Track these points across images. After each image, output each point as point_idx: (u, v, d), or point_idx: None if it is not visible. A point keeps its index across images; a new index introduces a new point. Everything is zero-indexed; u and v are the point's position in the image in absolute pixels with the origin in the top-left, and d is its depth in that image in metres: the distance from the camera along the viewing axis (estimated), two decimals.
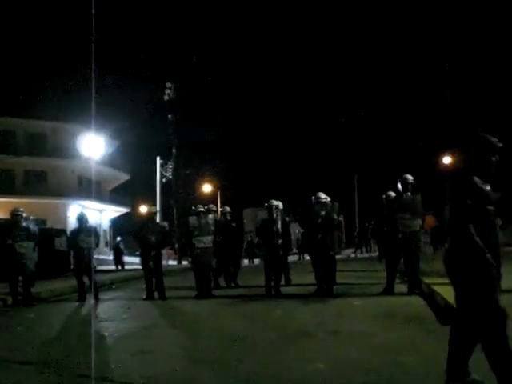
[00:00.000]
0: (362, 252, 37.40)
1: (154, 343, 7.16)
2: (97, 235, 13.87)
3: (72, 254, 13.52)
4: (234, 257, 14.62)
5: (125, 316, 10.07)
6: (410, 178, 10.78)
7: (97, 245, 13.44)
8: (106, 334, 7.85)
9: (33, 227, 12.54)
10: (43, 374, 5.55)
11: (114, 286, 15.20)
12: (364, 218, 42.50)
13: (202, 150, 54.35)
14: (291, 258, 24.21)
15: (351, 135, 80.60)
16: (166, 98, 41.77)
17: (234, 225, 14.73)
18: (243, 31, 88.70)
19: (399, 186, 10.79)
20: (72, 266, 13.45)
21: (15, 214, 12.26)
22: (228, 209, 15.11)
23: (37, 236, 12.44)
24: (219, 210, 15.22)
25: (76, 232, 12.95)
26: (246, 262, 15.98)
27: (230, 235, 14.26)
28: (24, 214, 12.44)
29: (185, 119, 44.24)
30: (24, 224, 12.30)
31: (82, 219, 12.98)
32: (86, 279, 12.47)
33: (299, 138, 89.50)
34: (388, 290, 10.61)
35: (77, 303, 12.03)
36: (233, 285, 14.26)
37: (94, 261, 12.88)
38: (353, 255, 35.36)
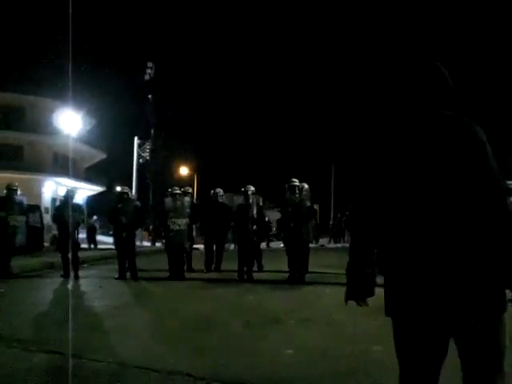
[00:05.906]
0: (336, 242, 37.46)
1: (125, 323, 7.18)
2: (82, 212, 13.92)
3: (57, 228, 13.47)
4: (220, 239, 14.33)
5: (96, 295, 10.06)
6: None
7: (82, 221, 13.45)
8: (77, 312, 7.81)
9: (25, 202, 12.90)
10: (12, 349, 5.54)
11: (85, 265, 15.11)
12: (339, 208, 42.69)
13: (181, 132, 54.09)
14: (276, 245, 24.12)
15: (330, 125, 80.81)
16: (147, 77, 41.52)
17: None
18: (223, 13, 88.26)
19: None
20: (57, 241, 13.59)
21: (10, 189, 12.44)
22: (219, 190, 14.37)
23: (27, 210, 12.72)
24: (211, 192, 14.63)
25: (63, 207, 12.93)
26: (232, 246, 15.80)
27: (221, 216, 13.83)
28: (18, 189, 12.67)
29: (164, 100, 44.04)
30: (17, 198, 12.56)
31: (70, 195, 13.01)
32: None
33: (278, 125, 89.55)
34: None
35: (48, 279, 11.98)
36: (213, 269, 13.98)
37: (77, 236, 12.91)
38: (329, 245, 35.38)
